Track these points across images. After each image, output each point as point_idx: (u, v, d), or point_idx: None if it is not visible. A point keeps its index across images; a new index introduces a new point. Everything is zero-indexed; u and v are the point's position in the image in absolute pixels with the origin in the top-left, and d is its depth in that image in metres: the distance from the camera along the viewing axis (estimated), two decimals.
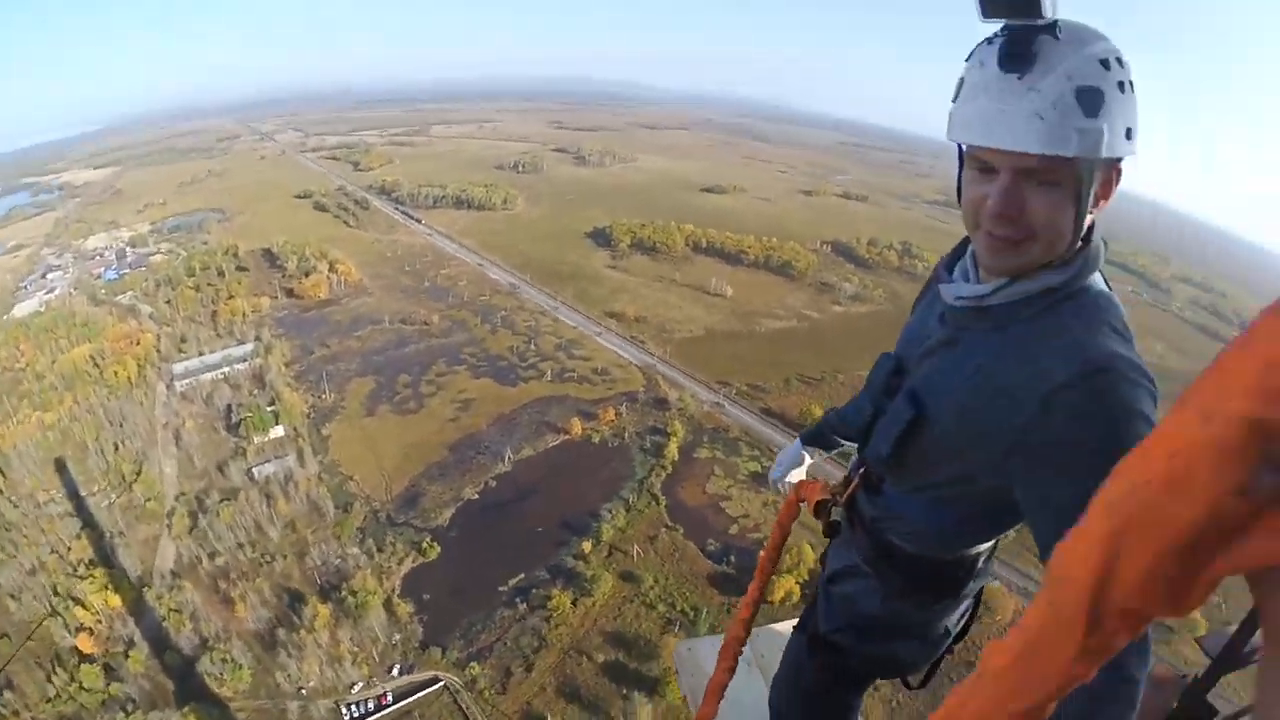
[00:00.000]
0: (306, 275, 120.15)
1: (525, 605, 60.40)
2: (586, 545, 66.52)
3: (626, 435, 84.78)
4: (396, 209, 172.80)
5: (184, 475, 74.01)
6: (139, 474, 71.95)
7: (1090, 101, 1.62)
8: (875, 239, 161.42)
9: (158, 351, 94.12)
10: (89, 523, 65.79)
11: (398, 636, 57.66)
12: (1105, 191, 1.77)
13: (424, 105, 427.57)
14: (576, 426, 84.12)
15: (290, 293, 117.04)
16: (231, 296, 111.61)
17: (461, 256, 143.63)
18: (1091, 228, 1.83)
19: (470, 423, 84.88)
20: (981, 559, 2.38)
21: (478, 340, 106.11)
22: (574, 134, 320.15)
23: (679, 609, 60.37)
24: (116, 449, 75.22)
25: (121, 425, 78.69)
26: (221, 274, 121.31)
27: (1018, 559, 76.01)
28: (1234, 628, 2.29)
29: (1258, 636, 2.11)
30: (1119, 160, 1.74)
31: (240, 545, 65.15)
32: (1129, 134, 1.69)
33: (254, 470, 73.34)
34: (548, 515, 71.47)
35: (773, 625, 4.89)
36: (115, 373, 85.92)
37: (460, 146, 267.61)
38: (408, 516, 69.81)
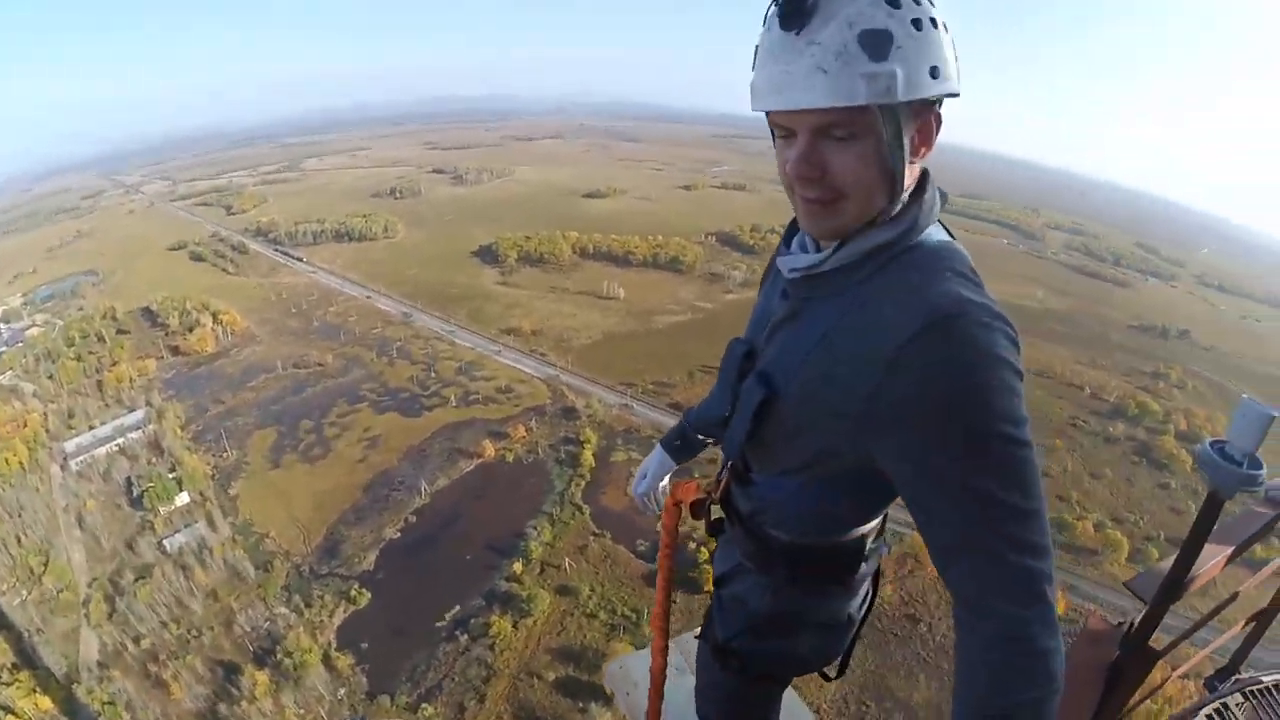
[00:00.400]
0: (190, 330, 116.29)
1: (467, 636, 59.95)
2: (518, 566, 66.40)
3: (540, 450, 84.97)
4: (276, 250, 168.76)
5: (94, 559, 71.25)
6: (47, 564, 69.20)
7: (875, 45, 1.52)
8: (758, 224, 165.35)
9: (46, 431, 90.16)
10: (3, 624, 62.80)
11: (342, 691, 56.55)
12: (924, 137, 1.73)
13: (293, 140, 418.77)
14: (489, 448, 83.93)
15: (176, 350, 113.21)
16: (115, 363, 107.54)
17: (348, 291, 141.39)
18: (924, 178, 1.84)
19: (380, 460, 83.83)
20: (869, 541, 2.28)
21: (376, 375, 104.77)
22: (448, 153, 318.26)
23: (620, 614, 60.96)
24: (19, 541, 72.08)
25: (20, 515, 75.37)
26: (102, 340, 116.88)
27: None
28: (1166, 564, 2.34)
29: (1196, 568, 2.31)
30: (934, 102, 1.67)
31: (164, 624, 62.90)
32: (935, 73, 1.58)
33: (165, 543, 70.99)
34: (474, 542, 71.20)
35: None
36: (5, 460, 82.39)
37: (334, 178, 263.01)
38: (331, 566, 68.62)
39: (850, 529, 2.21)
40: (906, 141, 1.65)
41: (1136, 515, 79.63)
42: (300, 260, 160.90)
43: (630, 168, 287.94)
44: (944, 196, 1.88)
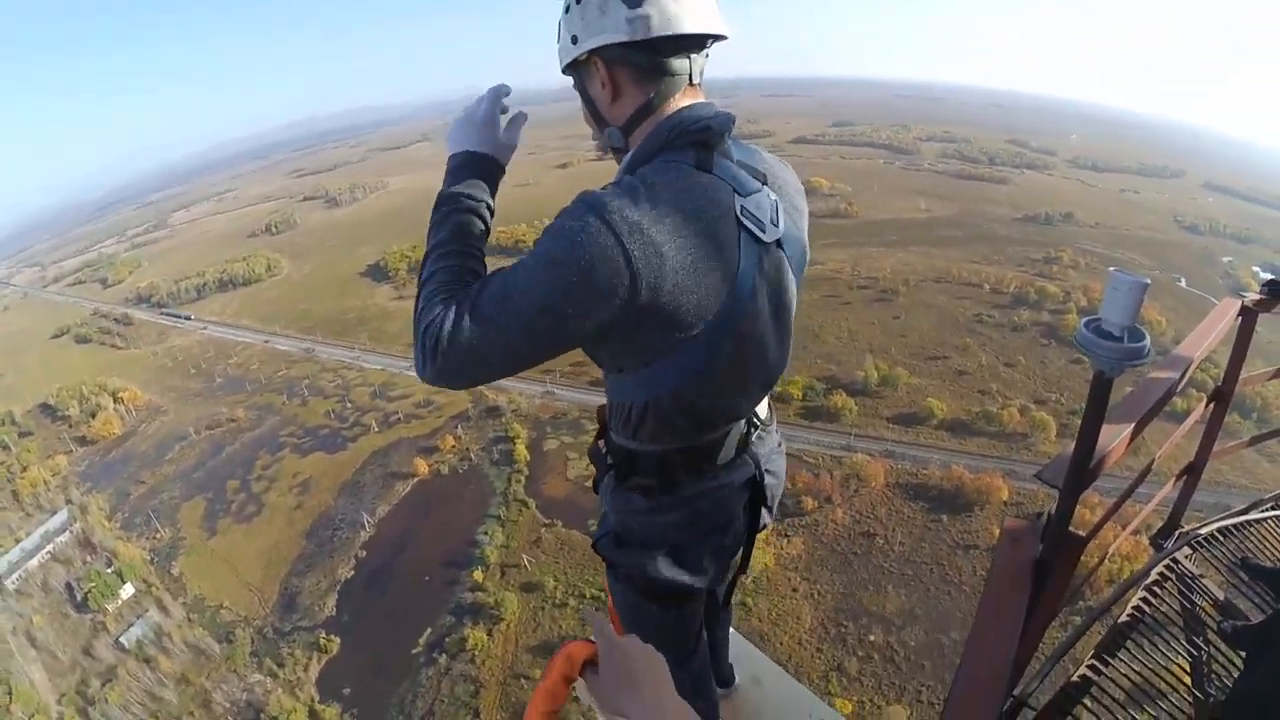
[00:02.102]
0: (94, 416, 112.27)
1: (445, 656, 60.21)
2: (478, 574, 66.83)
3: (473, 455, 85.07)
4: (162, 314, 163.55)
5: (55, 674, 69.02)
6: (10, 693, 67.20)
7: (560, 29, 2.10)
8: None
9: None
10: None
11: None
12: (605, 86, 2.07)
13: (155, 196, 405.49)
14: (422, 465, 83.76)
15: (83, 440, 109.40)
16: (25, 468, 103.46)
17: (244, 339, 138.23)
18: (641, 115, 2.08)
19: (316, 503, 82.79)
20: (672, 457, 2.29)
21: (291, 418, 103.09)
22: (317, 178, 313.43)
23: (589, 597, 61.54)
24: None
25: None
26: (6, 447, 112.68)
27: (870, 429, 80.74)
28: (1068, 453, 2.38)
29: (1103, 442, 2.35)
30: (593, 63, 2.06)
31: None
32: (574, 40, 2.02)
33: (121, 639, 69.22)
34: (429, 561, 71.23)
35: None
36: None
37: (206, 227, 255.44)
38: (293, 621, 67.89)
39: (637, 430, 2.25)
40: (594, 90, 2.15)
41: (1057, 394, 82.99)
42: (188, 319, 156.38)
43: None
44: (674, 129, 2.03)
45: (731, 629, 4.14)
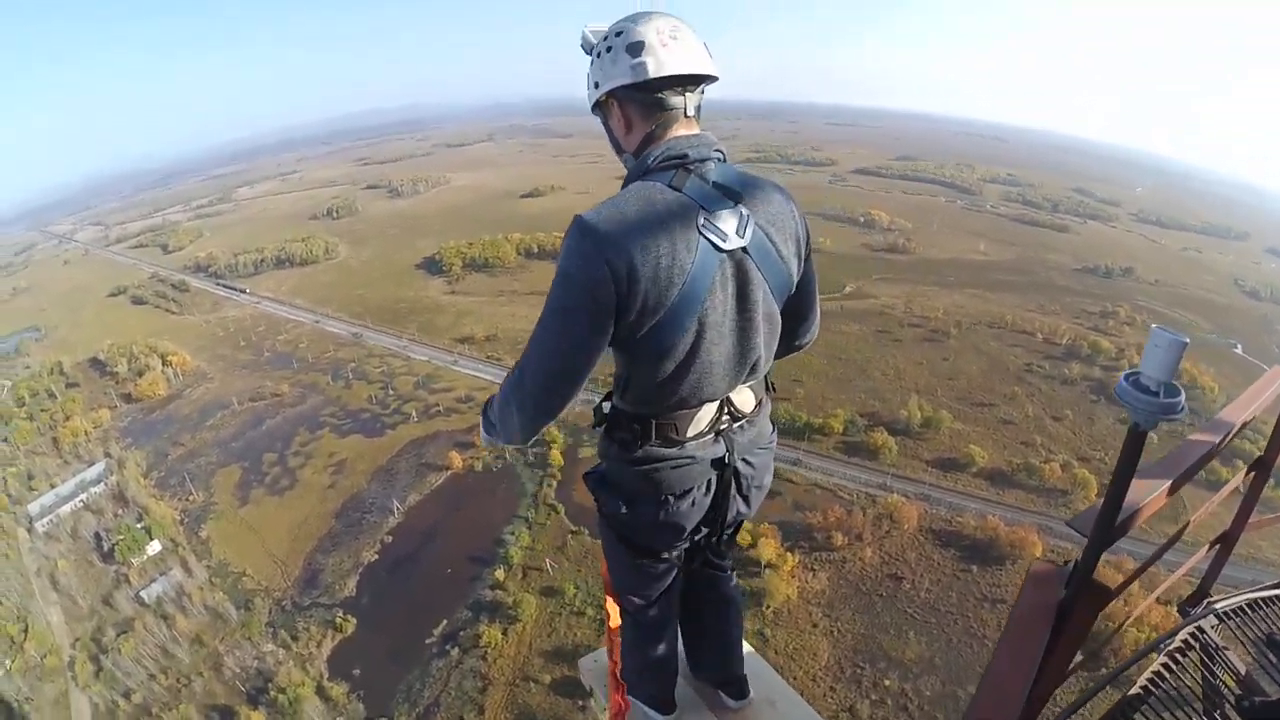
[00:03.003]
0: (141, 376, 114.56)
1: (458, 650, 59.97)
2: (500, 573, 66.54)
3: (508, 454, 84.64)
4: (218, 284, 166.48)
5: (73, 619, 70.00)
6: (27, 631, 67.95)
7: (587, 78, 2.71)
8: None
9: (8, 496, 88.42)
10: None
11: None
12: (619, 121, 2.71)
13: (222, 170, 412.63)
14: (456, 459, 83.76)
15: (129, 398, 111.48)
16: (69, 417, 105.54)
17: (296, 318, 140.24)
18: (646, 145, 2.67)
19: (349, 484, 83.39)
20: (647, 420, 2.81)
21: (334, 399, 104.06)
22: (381, 168, 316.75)
23: (605, 610, 61.06)
24: None
25: None
26: (53, 396, 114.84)
27: (908, 470, 79.61)
28: (1099, 505, 2.37)
29: (1133, 496, 2.37)
30: (610, 102, 2.68)
31: (152, 676, 62.02)
32: (596, 85, 2.66)
33: (142, 594, 70.10)
34: (453, 555, 71.20)
35: None
36: None
37: (269, 205, 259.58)
38: (313, 597, 68.19)
39: (626, 393, 2.81)
40: (609, 126, 2.81)
41: (1101, 453, 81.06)
42: (244, 292, 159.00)
43: (564, 164, 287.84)
44: (654, 158, 2.60)
45: (751, 649, 4.44)
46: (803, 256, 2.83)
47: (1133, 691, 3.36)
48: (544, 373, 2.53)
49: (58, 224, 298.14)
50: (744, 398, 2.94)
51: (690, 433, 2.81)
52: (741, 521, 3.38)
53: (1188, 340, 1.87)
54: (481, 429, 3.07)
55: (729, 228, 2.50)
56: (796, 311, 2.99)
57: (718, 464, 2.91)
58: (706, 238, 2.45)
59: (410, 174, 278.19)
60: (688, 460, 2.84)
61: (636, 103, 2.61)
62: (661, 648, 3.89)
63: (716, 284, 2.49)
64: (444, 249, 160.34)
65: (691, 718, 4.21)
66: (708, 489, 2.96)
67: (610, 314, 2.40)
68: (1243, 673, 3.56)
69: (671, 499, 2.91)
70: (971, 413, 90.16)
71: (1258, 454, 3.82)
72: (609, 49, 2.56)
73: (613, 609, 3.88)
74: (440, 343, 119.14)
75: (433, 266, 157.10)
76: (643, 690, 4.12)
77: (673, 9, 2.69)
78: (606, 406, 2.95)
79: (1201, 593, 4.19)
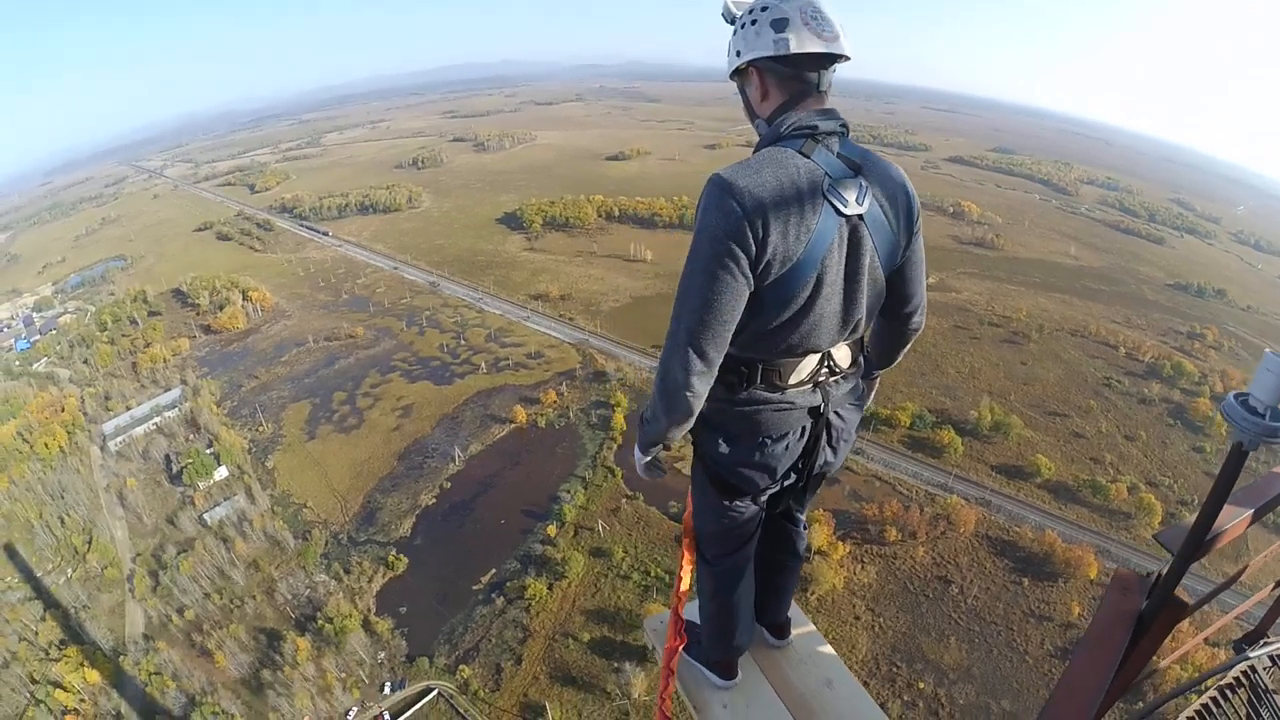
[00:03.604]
0: (221, 309, 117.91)
1: (503, 599, 60.79)
2: (551, 529, 67.24)
3: (571, 414, 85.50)
4: (301, 225, 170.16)
5: (136, 535, 72.47)
6: (91, 543, 70.35)
7: (729, 46, 2.87)
8: None
9: (84, 414, 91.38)
10: (51, 602, 64.01)
11: (382, 655, 57.51)
12: (757, 89, 2.87)
13: (311, 115, 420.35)
14: (520, 414, 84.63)
15: (208, 329, 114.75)
16: (149, 344, 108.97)
17: (375, 263, 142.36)
18: (779, 112, 2.84)
19: (414, 428, 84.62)
20: (754, 364, 2.98)
21: (406, 345, 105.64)
22: (468, 121, 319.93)
23: (653, 575, 61.43)
24: (62, 522, 73.27)
25: (63, 497, 76.53)
26: (135, 323, 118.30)
27: (971, 472, 78.27)
28: (1190, 521, 2.39)
29: (1224, 523, 2.41)
30: (750, 71, 2.84)
31: (207, 595, 64.03)
32: (738, 54, 2.81)
33: (205, 517, 72.24)
34: (508, 506, 71.98)
35: None
36: (46, 444, 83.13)
37: (356, 151, 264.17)
38: (369, 534, 69.47)
39: (733, 347, 2.88)
40: (747, 93, 2.97)
41: (1170, 479, 78.64)
42: (326, 235, 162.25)
43: (652, 129, 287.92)
44: (785, 125, 2.79)
45: (815, 628, 4.55)
46: (913, 231, 3.00)
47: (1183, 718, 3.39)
48: (698, 322, 2.65)
49: (149, 159, 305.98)
50: (843, 354, 3.13)
51: (792, 380, 3.02)
52: (826, 473, 3.46)
53: None
54: (637, 450, 3.30)
55: (850, 195, 2.70)
56: (904, 285, 3.15)
57: (813, 413, 3.11)
58: (830, 202, 2.66)
59: (497, 129, 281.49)
60: (788, 406, 3.04)
61: (775, 74, 2.80)
62: (736, 604, 3.94)
63: (835, 245, 2.70)
64: (525, 205, 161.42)
65: (748, 684, 4.23)
66: (801, 435, 3.14)
67: (749, 263, 2.58)
68: None
69: (769, 441, 3.10)
70: (1043, 421, 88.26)
71: None
72: (753, 21, 2.75)
73: (688, 557, 3.90)
74: (515, 298, 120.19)
75: (513, 222, 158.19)
76: (709, 651, 4.15)
77: None
78: None
79: (1259, 633, 4.05)
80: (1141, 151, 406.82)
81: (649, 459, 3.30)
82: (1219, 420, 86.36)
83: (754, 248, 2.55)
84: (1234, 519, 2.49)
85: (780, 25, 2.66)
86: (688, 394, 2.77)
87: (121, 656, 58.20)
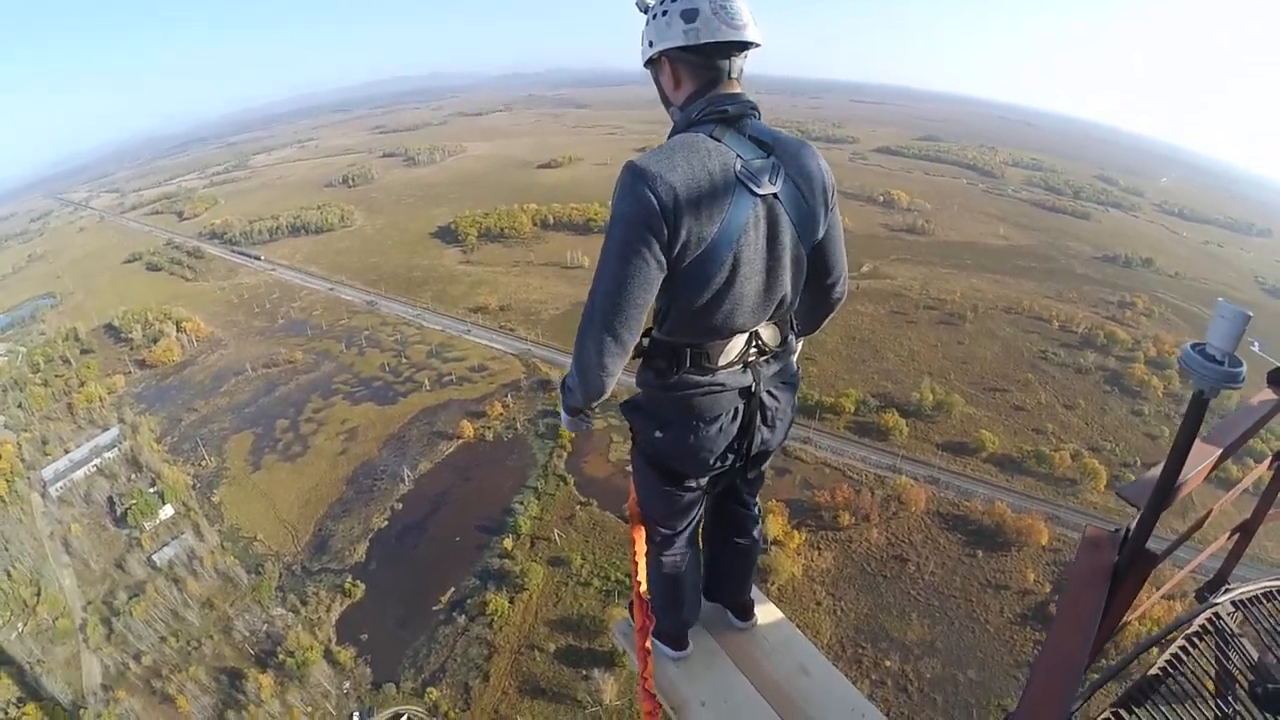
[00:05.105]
0: (155, 342, 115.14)
1: (464, 617, 60.55)
2: (508, 542, 67.16)
3: (519, 425, 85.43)
4: (233, 251, 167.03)
5: (85, 583, 70.64)
6: (40, 594, 68.52)
7: (642, 36, 3.00)
8: None
9: (22, 461, 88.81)
10: (3, 659, 61.97)
11: (347, 684, 56.90)
12: (668, 80, 3.02)
13: (238, 137, 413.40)
14: (468, 429, 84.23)
15: (143, 364, 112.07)
16: (83, 383, 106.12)
17: (311, 285, 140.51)
18: (691, 99, 2.98)
19: (361, 451, 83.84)
20: (681, 348, 3.09)
21: (347, 366, 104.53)
22: (397, 136, 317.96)
23: (613, 580, 61.62)
24: (9, 574, 71.09)
25: (7, 549, 74.30)
26: (67, 361, 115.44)
27: (918, 452, 79.52)
28: (1156, 472, 2.49)
29: (1183, 477, 2.45)
30: (663, 61, 2.96)
31: (163, 639, 62.61)
32: (651, 44, 2.94)
33: (154, 558, 70.75)
34: (462, 523, 71.72)
35: None
36: None
37: (285, 172, 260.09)
38: (323, 562, 68.68)
39: (660, 325, 3.09)
40: (660, 82, 3.09)
41: (1112, 443, 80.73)
42: (258, 259, 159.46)
43: (583, 134, 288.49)
44: (696, 112, 2.93)
45: (784, 615, 4.70)
46: (829, 206, 3.11)
47: (1151, 672, 3.49)
48: (611, 304, 2.76)
49: (74, 191, 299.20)
50: (771, 333, 3.22)
51: (721, 362, 3.10)
52: (767, 455, 3.64)
53: (1251, 314, 2.00)
54: (562, 411, 3.50)
55: (763, 176, 2.81)
56: (824, 259, 3.23)
57: (745, 393, 3.20)
58: (742, 182, 2.77)
59: (427, 143, 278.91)
60: (718, 387, 3.12)
61: (686, 63, 2.93)
62: (682, 581, 4.13)
63: (750, 224, 2.80)
64: (459, 218, 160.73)
65: (702, 656, 4.40)
66: (734, 416, 3.22)
67: (662, 245, 2.69)
68: (1255, 659, 3.72)
69: (701, 424, 3.18)
70: (984, 398, 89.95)
71: None
72: (665, 12, 2.87)
73: (639, 537, 4.01)
74: (454, 312, 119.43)
75: (448, 236, 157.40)
76: (660, 625, 4.32)
77: None
78: (645, 341, 3.13)
79: (1219, 580, 4.24)
80: (1064, 132, 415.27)
81: (573, 419, 3.48)
82: (1155, 384, 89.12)
83: (666, 231, 2.67)
84: (1198, 465, 2.62)
85: (690, 15, 2.80)
86: (601, 373, 2.90)
87: (82, 710, 56.75)
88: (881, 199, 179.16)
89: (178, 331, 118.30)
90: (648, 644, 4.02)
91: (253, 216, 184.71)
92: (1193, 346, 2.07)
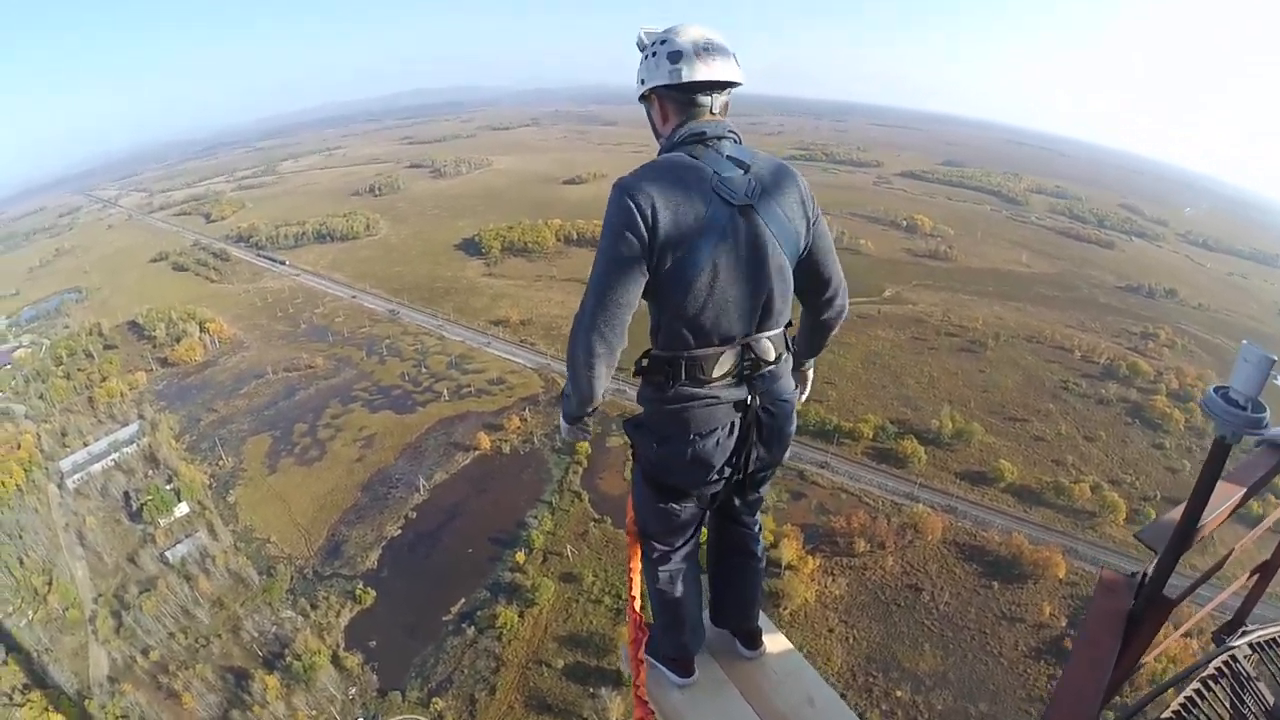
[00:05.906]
0: (178, 341, 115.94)
1: (473, 629, 60.12)
2: (520, 556, 66.76)
3: (535, 439, 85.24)
4: (258, 255, 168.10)
5: (97, 575, 70.94)
6: (51, 584, 68.78)
7: (636, 74, 3.27)
8: None
9: (41, 451, 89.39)
10: (12, 645, 62.16)
11: (353, 690, 56.58)
12: (657, 114, 3.35)
13: (266, 143, 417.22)
14: (484, 441, 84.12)
15: (165, 362, 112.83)
16: (105, 378, 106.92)
17: (334, 292, 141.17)
18: (676, 130, 3.24)
19: (377, 459, 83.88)
20: (677, 361, 3.21)
21: (367, 374, 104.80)
22: (424, 147, 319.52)
23: (624, 598, 60.59)
24: (21, 563, 71.52)
25: (21, 537, 74.70)
26: (90, 356, 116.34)
27: (936, 480, 78.83)
28: (1175, 514, 2.48)
29: (1203, 520, 2.41)
30: (652, 96, 3.28)
31: (171, 634, 62.61)
32: (642, 82, 3.24)
33: (167, 554, 70.86)
34: (476, 535, 71.41)
35: None
36: (3, 483, 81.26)
37: (312, 179, 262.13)
38: (334, 567, 68.59)
39: (659, 344, 3.26)
40: (651, 116, 3.41)
41: (1132, 476, 79.81)
42: (283, 264, 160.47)
43: (609, 151, 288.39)
44: (682, 142, 3.18)
45: (792, 645, 4.65)
46: (811, 217, 3.32)
47: (1164, 716, 3.36)
48: (597, 304, 3.02)
49: (103, 188, 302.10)
50: (764, 347, 3.32)
51: (715, 373, 3.23)
52: (767, 473, 3.78)
53: (1276, 358, 1.95)
54: (561, 419, 3.66)
55: (738, 188, 3.05)
56: (818, 271, 3.48)
57: (740, 406, 3.33)
58: (719, 194, 3.01)
59: (453, 155, 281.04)
60: (713, 400, 3.26)
61: (672, 100, 3.25)
62: (681, 601, 4.18)
63: (728, 231, 3.01)
64: (484, 231, 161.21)
65: (709, 685, 4.36)
66: (731, 430, 3.36)
67: (643, 248, 2.95)
68: (1272, 704, 3.57)
69: (698, 438, 3.31)
70: (1004, 427, 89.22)
71: None
72: (655, 54, 3.17)
73: (635, 553, 4.10)
74: (475, 324, 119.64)
75: (471, 248, 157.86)
76: (663, 648, 4.35)
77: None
78: (645, 361, 3.33)
79: (1237, 622, 4.10)
80: (1091, 160, 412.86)
81: (571, 427, 3.63)
82: (1177, 417, 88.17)
83: (646, 234, 2.91)
84: (1216, 509, 2.54)
85: (675, 57, 3.09)
86: (588, 373, 3.13)
87: (87, 700, 56.73)
88: (905, 224, 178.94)
89: (201, 332, 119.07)
90: (641, 654, 3.97)
91: (279, 221, 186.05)
92: (1216, 390, 2.05)
